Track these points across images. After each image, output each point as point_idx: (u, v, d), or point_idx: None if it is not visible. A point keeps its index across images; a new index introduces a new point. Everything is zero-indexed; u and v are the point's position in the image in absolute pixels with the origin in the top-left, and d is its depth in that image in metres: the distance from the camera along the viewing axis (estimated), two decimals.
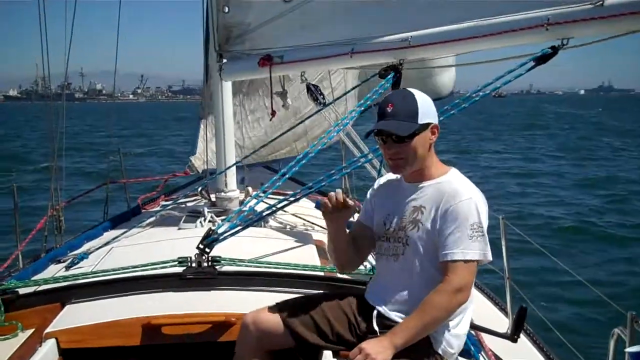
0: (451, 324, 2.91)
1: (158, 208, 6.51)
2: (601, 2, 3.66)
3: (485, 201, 2.89)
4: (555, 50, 3.87)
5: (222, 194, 5.92)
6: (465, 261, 2.76)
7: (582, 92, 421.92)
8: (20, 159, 31.16)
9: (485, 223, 2.82)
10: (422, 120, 2.87)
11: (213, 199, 6.09)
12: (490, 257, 2.84)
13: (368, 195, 3.26)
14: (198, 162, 7.96)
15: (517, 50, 4.22)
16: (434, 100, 3.04)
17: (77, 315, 3.50)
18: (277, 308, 3.08)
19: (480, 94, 4.01)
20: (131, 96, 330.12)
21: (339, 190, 2.97)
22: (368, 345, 2.72)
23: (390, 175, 3.15)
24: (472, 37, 4.14)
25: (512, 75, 3.95)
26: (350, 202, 2.95)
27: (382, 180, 3.22)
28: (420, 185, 2.96)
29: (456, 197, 2.81)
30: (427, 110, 2.90)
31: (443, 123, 3.19)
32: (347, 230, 3.14)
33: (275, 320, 3.03)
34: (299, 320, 3.02)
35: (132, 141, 41.37)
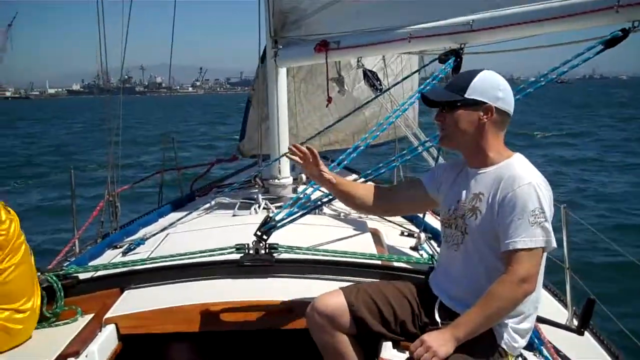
0: (517, 317, 2.81)
1: (212, 195, 6.50)
2: None
3: (549, 187, 2.75)
4: (625, 33, 3.74)
5: (276, 181, 5.88)
6: (529, 250, 2.64)
7: None
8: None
9: (548, 209, 2.68)
10: (469, 94, 2.78)
11: (266, 186, 6.06)
12: (554, 244, 2.70)
13: (440, 166, 3.23)
14: (247, 147, 7.98)
15: (582, 34, 4.09)
16: None
17: (135, 301, 3.50)
18: (343, 292, 3.02)
19: (548, 77, 3.88)
20: (190, 89, 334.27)
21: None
22: (429, 338, 2.63)
23: (458, 160, 3.06)
24: (538, 20, 4.01)
25: (580, 59, 3.82)
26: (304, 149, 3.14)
27: (450, 164, 3.15)
28: (481, 171, 2.86)
29: (515, 183, 2.69)
30: (481, 88, 2.79)
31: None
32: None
33: (341, 304, 2.97)
34: (365, 307, 2.97)
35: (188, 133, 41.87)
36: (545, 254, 2.74)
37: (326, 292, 3.08)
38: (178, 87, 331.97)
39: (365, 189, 3.25)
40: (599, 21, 3.86)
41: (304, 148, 3.11)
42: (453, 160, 3.15)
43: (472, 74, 2.85)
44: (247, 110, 7.85)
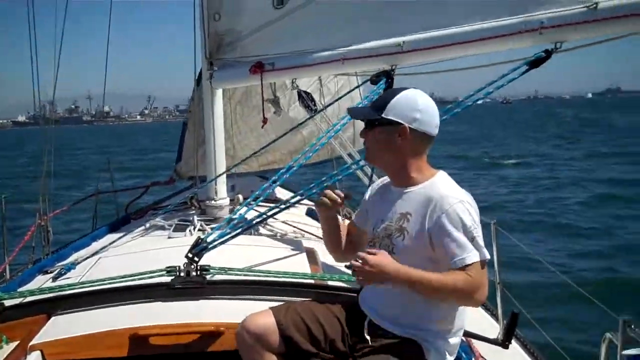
0: (447, 333, 2.85)
1: (147, 217, 6.42)
2: (594, 5, 3.64)
3: (474, 201, 2.80)
4: (548, 53, 3.85)
5: (212, 202, 5.84)
6: (479, 262, 2.67)
7: (590, 95, 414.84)
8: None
9: (478, 222, 2.74)
10: (386, 114, 2.78)
11: (203, 207, 6.02)
12: (488, 256, 2.77)
13: (365, 197, 3.22)
14: (184, 169, 7.92)
15: (509, 55, 4.21)
16: None
17: (63, 327, 3.42)
18: (273, 312, 3.01)
19: (474, 98, 3.97)
20: (139, 117, 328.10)
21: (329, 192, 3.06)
22: (373, 260, 2.62)
23: (386, 179, 3.09)
24: (466, 42, 4.12)
25: (505, 80, 3.91)
26: (341, 194, 3.05)
27: (376, 183, 3.18)
28: (406, 191, 2.87)
29: (445, 203, 2.71)
30: (398, 108, 2.79)
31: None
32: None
33: (270, 324, 2.95)
34: (294, 326, 2.95)
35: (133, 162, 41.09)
36: None
37: (256, 311, 3.07)
38: (126, 116, 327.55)
39: (343, 239, 3.26)
40: (524, 43, 3.98)
41: (336, 195, 3.06)
42: (381, 179, 3.16)
43: (394, 93, 2.86)
44: (184, 133, 7.81)
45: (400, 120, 2.78)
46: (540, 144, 44.12)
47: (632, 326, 2.71)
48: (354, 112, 3.02)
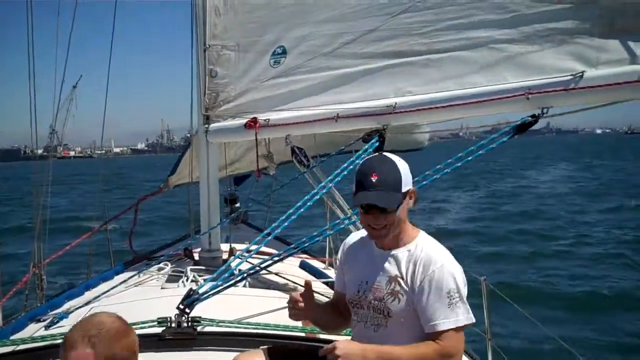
0: None
1: (141, 267, 6.43)
2: (581, 74, 3.77)
3: (457, 263, 2.83)
4: (535, 118, 3.96)
5: (206, 253, 5.89)
6: (454, 329, 2.72)
7: None
8: None
9: (462, 286, 2.77)
10: (404, 188, 2.82)
11: (197, 258, 6.07)
12: (473, 319, 2.78)
13: (339, 261, 3.23)
14: (172, 180, 8.40)
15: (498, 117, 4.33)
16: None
17: None
18: (263, 352, 3.03)
19: (464, 159, 4.07)
20: None
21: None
22: (342, 345, 2.65)
23: (356, 235, 3.13)
24: (455, 105, 4.24)
25: (494, 143, 4.02)
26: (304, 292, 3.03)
27: (349, 243, 3.15)
28: (393, 253, 2.89)
29: (429, 266, 2.76)
30: (407, 178, 2.85)
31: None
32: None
33: None
34: None
35: None
36: None
37: (249, 351, 3.10)
38: None
39: (333, 316, 3.20)
40: (511, 107, 4.11)
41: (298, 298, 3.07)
42: (350, 238, 3.18)
43: (393, 165, 2.85)
44: (185, 151, 8.28)
45: (411, 187, 2.88)
46: None
47: None
48: (386, 204, 2.79)
